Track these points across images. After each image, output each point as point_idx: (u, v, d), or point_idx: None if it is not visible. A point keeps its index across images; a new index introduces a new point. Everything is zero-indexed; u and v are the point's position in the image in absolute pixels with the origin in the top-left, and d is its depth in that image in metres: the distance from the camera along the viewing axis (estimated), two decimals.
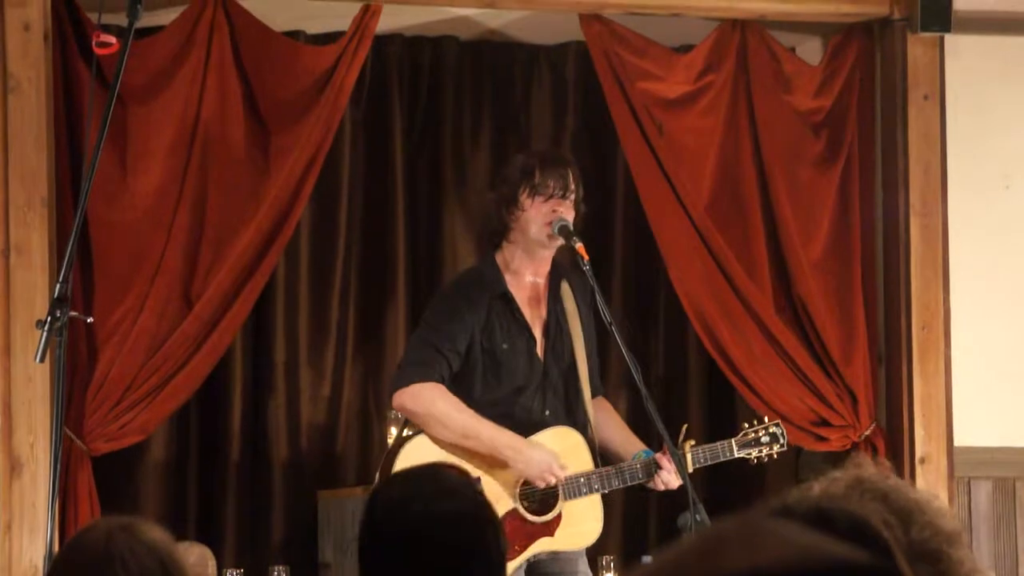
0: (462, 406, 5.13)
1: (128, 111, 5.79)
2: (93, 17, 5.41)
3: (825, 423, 6.23)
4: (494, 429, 5.09)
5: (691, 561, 1.09)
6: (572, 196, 5.26)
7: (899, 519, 2.15)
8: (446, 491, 2.97)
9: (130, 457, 6.09)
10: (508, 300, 5.27)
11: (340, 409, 6.49)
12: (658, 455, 5.22)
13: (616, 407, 5.74)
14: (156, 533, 2.82)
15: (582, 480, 5.22)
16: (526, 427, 5.22)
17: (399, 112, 6.58)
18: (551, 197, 5.22)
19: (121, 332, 5.75)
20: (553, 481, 5.16)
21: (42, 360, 4.73)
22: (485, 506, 3.01)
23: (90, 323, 5.51)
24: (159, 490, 6.24)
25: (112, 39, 4.84)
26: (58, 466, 4.65)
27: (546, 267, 5.34)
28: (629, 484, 5.28)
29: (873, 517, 2.09)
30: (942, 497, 5.48)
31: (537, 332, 5.31)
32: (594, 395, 5.39)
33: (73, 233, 4.76)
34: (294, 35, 6.28)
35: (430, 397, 5.14)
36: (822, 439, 6.23)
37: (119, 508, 5.50)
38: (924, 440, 6.22)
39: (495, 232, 5.34)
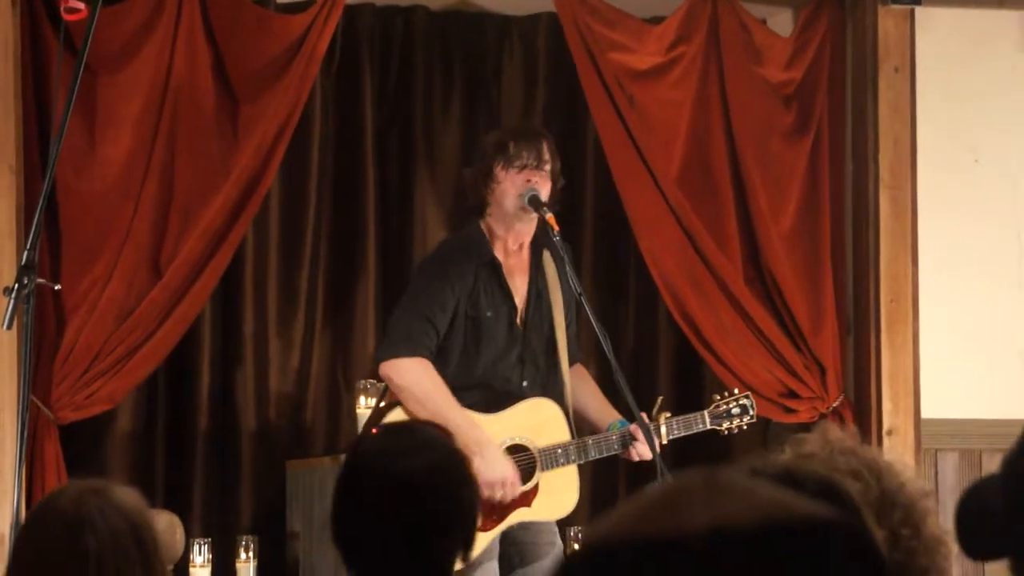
0: (446, 391, 5.11)
1: (97, 79, 5.76)
2: None
3: (793, 395, 6.25)
4: (467, 423, 5.07)
5: (656, 514, 1.09)
6: (547, 167, 5.24)
7: (869, 470, 2.16)
8: (420, 444, 2.97)
9: (98, 426, 6.07)
10: (495, 267, 5.26)
11: (309, 380, 6.47)
12: (632, 426, 5.22)
13: None
14: (127, 496, 2.81)
15: (559, 451, 5.22)
16: (504, 397, 5.21)
17: (369, 82, 6.55)
18: (525, 168, 5.21)
19: (89, 301, 5.73)
20: (497, 499, 5.13)
21: (9, 327, 4.72)
22: (459, 459, 3.00)
23: (58, 291, 5.49)
24: (127, 459, 6.22)
25: (81, 5, 4.81)
26: (25, 434, 4.64)
27: (527, 238, 5.33)
28: (605, 455, 5.29)
29: (839, 469, 2.10)
30: None
31: (519, 301, 5.30)
32: (571, 363, 5.39)
33: (41, 201, 4.74)
34: (264, 4, 6.24)
35: (417, 374, 5.13)
36: (790, 411, 6.24)
37: (86, 477, 5.47)
38: (891, 412, 6.24)
39: (474, 208, 5.33)
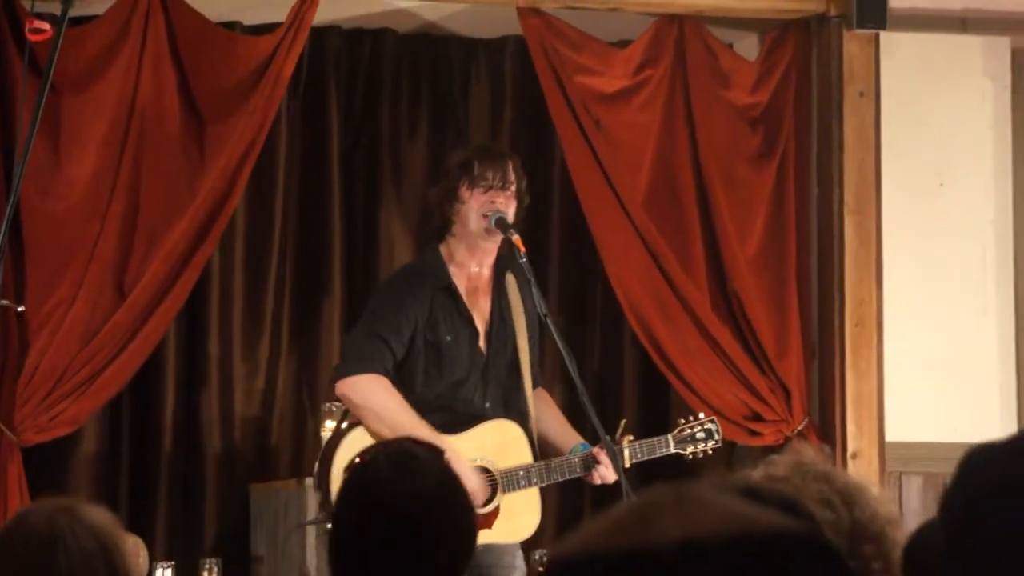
0: (403, 404, 5.11)
1: (62, 99, 5.74)
2: (27, 3, 5.36)
3: (758, 418, 6.26)
4: (430, 435, 5.06)
5: (627, 528, 1.09)
6: (512, 187, 5.25)
7: (842, 500, 2.16)
8: (420, 469, 2.95)
9: (62, 448, 6.04)
10: (452, 292, 5.26)
11: (274, 402, 6.45)
12: (595, 449, 5.21)
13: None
14: (98, 515, 2.80)
15: (521, 473, 5.21)
16: (467, 419, 5.21)
17: (336, 104, 6.55)
18: (490, 188, 5.21)
19: (53, 322, 5.71)
20: None
21: None
22: (459, 484, 3.00)
23: (21, 312, 5.46)
24: (90, 481, 6.19)
25: (46, 26, 4.79)
26: None
27: (490, 259, 5.32)
28: (567, 478, 5.28)
29: (811, 497, 2.11)
30: None
31: (480, 324, 5.30)
32: (534, 386, 5.39)
33: (5, 221, 4.72)
34: (230, 26, 6.24)
35: (373, 390, 5.12)
36: (755, 434, 6.25)
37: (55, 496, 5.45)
38: (856, 435, 6.25)
39: (438, 227, 5.33)
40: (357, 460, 3.07)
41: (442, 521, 2.90)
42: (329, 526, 2.98)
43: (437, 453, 3.03)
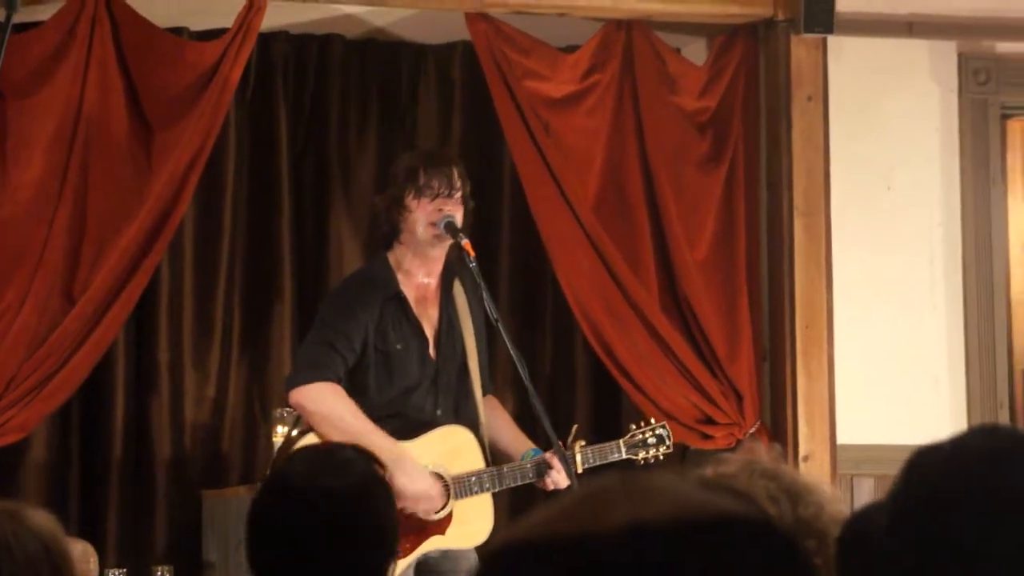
0: (357, 411, 5.10)
1: (7, 104, 5.71)
2: None
3: (711, 421, 6.27)
4: (382, 439, 5.05)
5: (576, 512, 1.09)
6: (458, 194, 5.25)
7: (788, 497, 2.17)
8: (340, 464, 2.94)
9: (10, 455, 6.00)
10: (401, 300, 5.26)
11: (225, 409, 6.43)
12: (548, 454, 5.22)
13: (503, 406, 5.74)
14: (41, 518, 2.77)
15: (473, 479, 5.21)
16: (417, 426, 5.20)
17: (284, 110, 6.54)
18: (437, 196, 5.21)
19: (0, 328, 5.67)
20: (420, 513, 5.12)
21: None
22: (380, 480, 2.98)
23: None
24: (40, 488, 6.15)
25: None
26: None
27: (438, 267, 5.33)
28: (519, 483, 5.28)
29: (758, 493, 2.11)
30: None
31: (429, 332, 5.30)
32: (484, 394, 5.38)
33: None
34: (177, 31, 6.22)
35: (325, 397, 5.12)
36: (708, 437, 6.26)
37: None
38: (807, 437, 6.27)
39: (385, 235, 5.32)
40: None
41: (361, 520, 2.89)
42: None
43: (366, 455, 3.03)
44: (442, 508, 5.18)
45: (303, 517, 2.85)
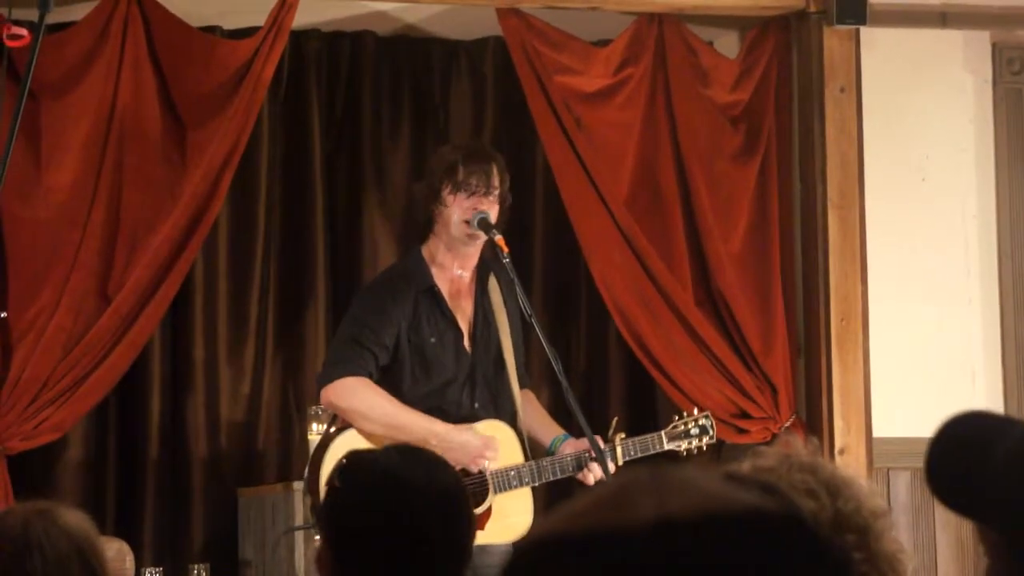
0: (388, 397, 5.12)
1: (41, 106, 5.73)
2: (4, 10, 5.35)
3: (745, 415, 6.25)
4: (420, 418, 5.08)
5: (605, 507, 1.09)
6: (496, 192, 5.25)
7: (827, 491, 2.16)
8: (437, 461, 2.95)
9: (47, 455, 6.03)
10: (435, 294, 5.26)
11: (260, 406, 6.44)
12: (571, 441, 5.23)
13: (538, 400, 5.74)
14: (75, 519, 2.79)
15: (512, 473, 5.21)
16: (455, 421, 5.21)
17: (317, 108, 6.55)
18: (473, 194, 5.21)
19: (36, 329, 5.69)
20: (485, 464, 5.14)
21: None
22: (464, 486, 3.00)
23: (4, 319, 5.44)
24: (77, 488, 6.17)
25: (23, 31, 4.78)
26: None
27: (472, 261, 5.33)
28: (559, 477, 5.27)
29: (796, 487, 2.10)
30: None
31: (464, 326, 5.30)
32: (520, 387, 5.38)
33: None
34: (210, 30, 6.24)
35: (356, 391, 5.12)
36: (742, 431, 6.25)
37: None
38: (843, 431, 6.25)
39: (421, 224, 5.33)
40: (344, 462, 3.02)
41: (462, 515, 2.89)
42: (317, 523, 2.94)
43: (441, 458, 3.04)
44: (482, 503, 5.19)
45: (418, 512, 2.81)
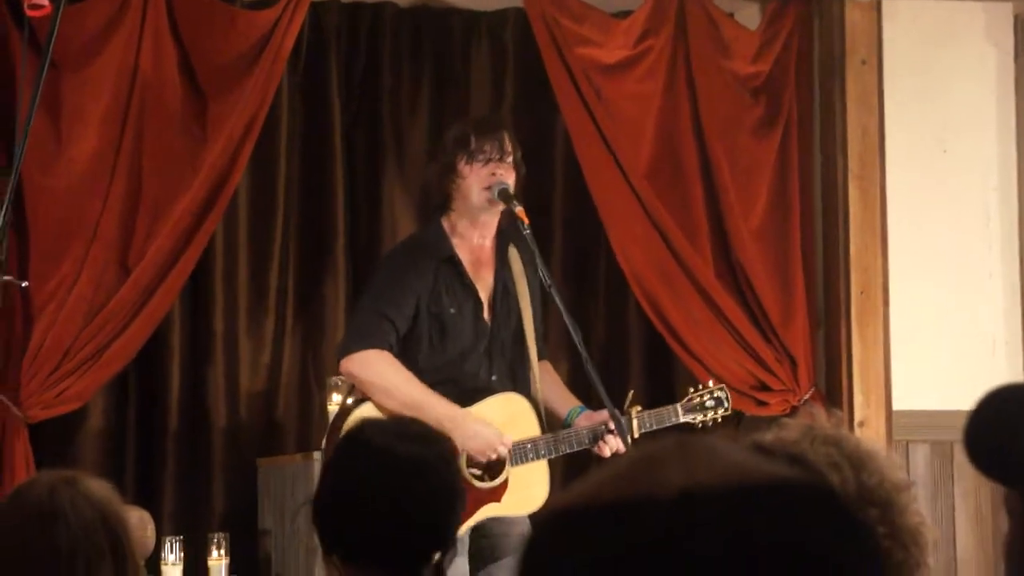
0: (409, 376, 5.11)
1: (62, 76, 5.73)
2: None
3: (765, 387, 6.25)
4: (437, 401, 5.07)
5: (630, 477, 1.09)
6: (510, 158, 5.24)
7: (850, 464, 2.16)
8: (423, 434, 2.96)
9: (68, 424, 6.05)
10: (455, 264, 5.25)
11: (279, 377, 6.45)
12: (588, 413, 5.23)
13: (557, 372, 5.73)
14: (99, 487, 2.80)
15: (529, 446, 5.21)
16: (472, 391, 5.20)
17: (337, 79, 6.54)
18: (489, 161, 5.21)
19: (57, 299, 5.71)
20: (494, 457, 5.14)
21: None
22: (452, 451, 3.01)
23: (25, 288, 5.46)
24: (97, 457, 6.19)
25: (44, 2, 4.77)
26: None
27: (491, 229, 5.32)
28: (576, 450, 5.27)
29: (819, 460, 2.10)
30: None
31: (484, 296, 5.29)
32: (539, 359, 5.38)
33: (7, 199, 4.71)
34: (230, 1, 6.23)
35: (377, 364, 5.12)
36: (762, 403, 6.25)
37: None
38: (862, 404, 6.25)
39: (438, 205, 5.32)
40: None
41: (439, 487, 2.90)
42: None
43: (430, 428, 3.06)
44: (498, 475, 5.19)
45: (387, 482, 2.85)
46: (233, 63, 5.92)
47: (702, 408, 5.47)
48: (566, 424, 5.30)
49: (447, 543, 2.91)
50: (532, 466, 5.23)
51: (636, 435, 5.26)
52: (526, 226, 5.13)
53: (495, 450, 5.13)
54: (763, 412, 6.23)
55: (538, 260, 5.16)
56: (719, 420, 5.52)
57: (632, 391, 5.42)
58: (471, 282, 5.27)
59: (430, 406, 5.08)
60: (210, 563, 5.79)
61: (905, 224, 6.36)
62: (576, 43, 6.17)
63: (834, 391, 6.30)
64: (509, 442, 5.17)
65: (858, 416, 6.24)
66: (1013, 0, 6.50)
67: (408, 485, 2.86)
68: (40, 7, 4.75)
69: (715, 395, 5.50)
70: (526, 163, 5.38)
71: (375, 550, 2.84)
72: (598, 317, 6.73)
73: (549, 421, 5.32)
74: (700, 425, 5.48)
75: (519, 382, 5.30)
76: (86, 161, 5.77)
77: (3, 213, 4.66)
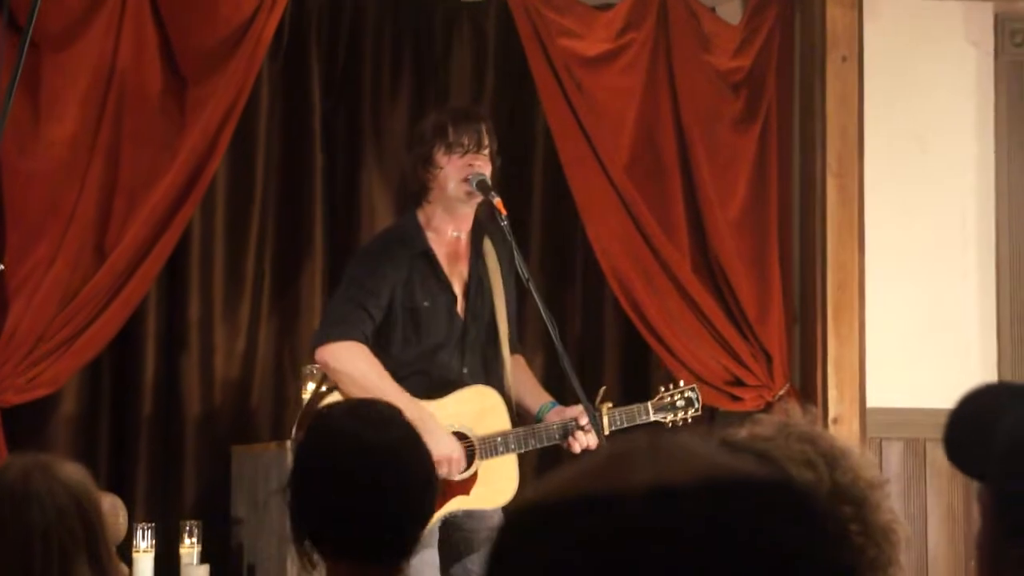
0: (382, 371, 5.10)
1: (42, 57, 5.71)
2: None
3: (740, 383, 6.26)
4: (409, 401, 5.06)
5: (600, 473, 1.09)
6: (487, 150, 5.24)
7: (825, 461, 2.17)
8: (388, 418, 2.96)
9: (41, 409, 6.03)
10: (429, 258, 5.25)
11: (254, 364, 6.44)
12: (561, 408, 5.22)
13: (532, 366, 5.73)
14: (74, 472, 2.80)
15: (499, 440, 5.21)
16: (444, 385, 5.20)
17: (317, 66, 6.52)
18: (466, 152, 5.20)
19: (33, 282, 5.69)
20: (442, 475, 5.13)
21: None
22: (420, 437, 3.00)
23: (1, 271, 5.44)
24: (70, 442, 6.16)
25: None
26: None
27: (468, 224, 5.31)
28: (545, 444, 5.27)
29: (794, 458, 2.11)
30: None
31: (458, 290, 5.29)
32: (512, 353, 5.38)
33: None
34: None
35: (351, 356, 5.11)
36: (736, 399, 6.26)
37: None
38: (837, 400, 6.26)
39: (415, 194, 5.31)
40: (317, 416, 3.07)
41: (408, 474, 2.90)
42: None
43: (396, 410, 3.05)
44: (467, 468, 5.19)
45: (355, 469, 2.85)
46: (214, 48, 5.91)
47: (672, 408, 5.47)
48: (537, 419, 5.30)
49: (422, 527, 2.91)
50: (501, 460, 5.22)
51: (607, 432, 5.25)
52: (504, 217, 5.13)
53: (448, 468, 5.09)
54: (737, 407, 6.24)
55: (515, 252, 5.16)
56: (689, 420, 5.53)
57: (604, 387, 5.42)
58: (445, 276, 5.27)
59: (399, 402, 5.06)
60: (182, 551, 5.78)
61: (882, 222, 6.37)
62: (558, 34, 6.18)
63: (809, 387, 6.32)
64: (462, 466, 5.15)
65: (832, 413, 6.25)
66: (993, 0, 6.52)
67: (380, 469, 2.86)
68: None
69: (686, 395, 5.50)
70: (505, 155, 5.38)
71: (350, 537, 2.84)
72: (574, 310, 6.72)
73: (520, 416, 5.32)
74: (670, 424, 5.49)
75: (491, 375, 5.30)
76: (65, 144, 5.75)
77: None
